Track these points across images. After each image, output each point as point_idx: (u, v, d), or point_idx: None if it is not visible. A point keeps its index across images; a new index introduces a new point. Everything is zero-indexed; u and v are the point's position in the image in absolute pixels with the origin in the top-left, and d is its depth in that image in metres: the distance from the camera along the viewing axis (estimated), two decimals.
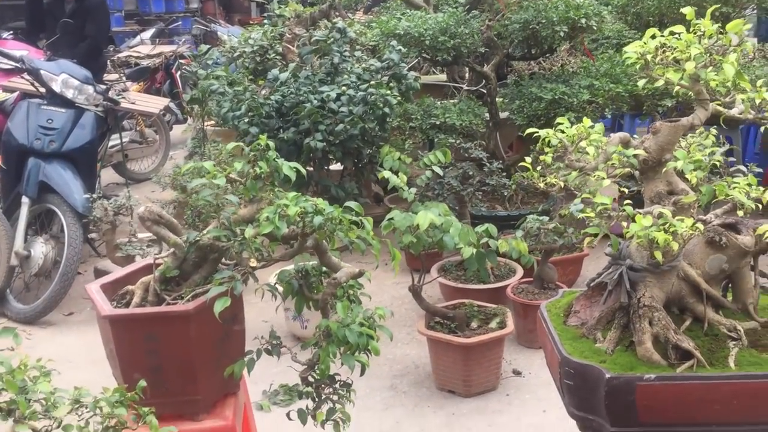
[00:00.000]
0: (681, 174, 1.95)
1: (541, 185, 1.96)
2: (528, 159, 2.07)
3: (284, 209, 1.98)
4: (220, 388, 2.25)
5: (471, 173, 4.10)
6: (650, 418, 1.90)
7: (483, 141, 4.57)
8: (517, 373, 3.70)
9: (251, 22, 13.68)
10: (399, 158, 3.52)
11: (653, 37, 1.90)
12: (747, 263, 2.04)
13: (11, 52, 5.13)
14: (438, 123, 4.61)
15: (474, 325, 3.55)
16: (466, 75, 6.21)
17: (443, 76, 6.40)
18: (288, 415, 2.33)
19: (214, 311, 1.96)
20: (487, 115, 5.04)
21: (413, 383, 3.65)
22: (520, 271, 4.19)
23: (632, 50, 1.91)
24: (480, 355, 3.42)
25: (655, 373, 1.87)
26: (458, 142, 4.24)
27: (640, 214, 1.70)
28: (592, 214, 1.83)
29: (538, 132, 2.05)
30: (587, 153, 1.90)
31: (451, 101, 5.02)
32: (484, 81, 5.27)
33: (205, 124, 6.07)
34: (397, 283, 4.72)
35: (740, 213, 2.09)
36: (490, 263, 3.37)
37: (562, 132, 1.98)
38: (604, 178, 1.82)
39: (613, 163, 1.84)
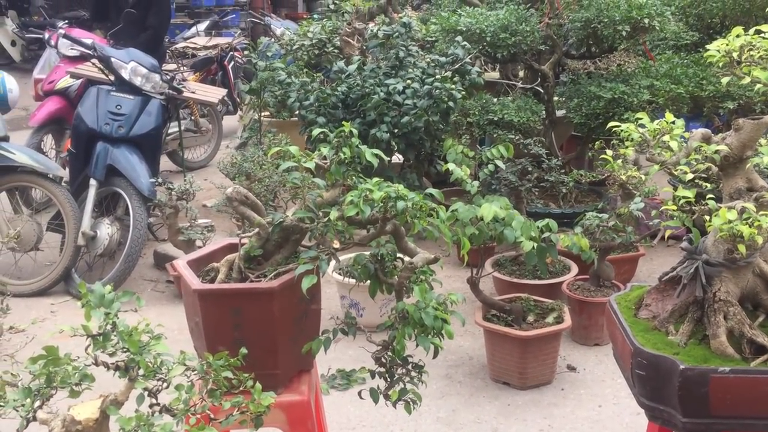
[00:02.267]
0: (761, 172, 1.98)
1: (623, 177, 2.00)
2: (609, 152, 2.10)
3: (369, 193, 2.05)
4: (296, 364, 2.34)
5: (529, 169, 4.14)
6: (722, 410, 1.93)
7: (542, 138, 4.59)
8: (571, 368, 3.73)
9: (299, 16, 13.84)
10: (462, 151, 3.58)
11: (738, 36, 1.93)
12: None
13: (82, 39, 5.29)
14: (495, 119, 4.66)
15: (530, 319, 3.60)
16: (519, 73, 6.24)
17: (496, 74, 6.44)
18: (359, 393, 2.42)
19: (298, 289, 2.05)
20: (543, 113, 5.06)
21: (468, 374, 3.71)
22: (574, 269, 4.21)
23: (716, 47, 1.94)
24: (536, 349, 3.46)
25: (730, 366, 1.90)
26: (517, 138, 4.28)
27: (725, 207, 1.73)
28: (673, 208, 1.86)
29: (619, 126, 2.09)
30: (669, 148, 1.94)
31: (508, 98, 5.06)
32: (540, 79, 5.29)
33: (261, 114, 6.20)
34: (449, 276, 4.79)
35: None
36: (550, 258, 3.42)
37: (643, 126, 2.01)
38: (687, 173, 1.86)
39: (695, 159, 1.87)
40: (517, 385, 3.53)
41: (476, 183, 3.39)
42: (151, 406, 1.48)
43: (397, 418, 3.31)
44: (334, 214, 2.08)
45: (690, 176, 1.86)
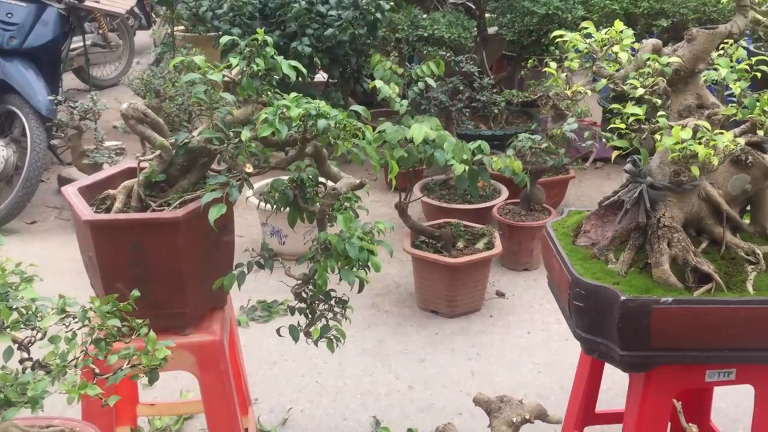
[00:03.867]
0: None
1: (569, 92, 1.81)
2: (553, 65, 1.91)
3: (285, 111, 1.81)
4: (207, 301, 2.12)
5: (461, 89, 3.93)
6: (663, 342, 1.83)
7: (474, 56, 4.37)
8: (500, 294, 3.65)
9: None
10: (390, 68, 3.33)
11: None
12: None
13: None
14: (425, 35, 4.40)
15: (460, 245, 3.46)
16: None
17: None
18: (278, 331, 2.22)
19: (206, 219, 1.81)
20: (475, 29, 4.83)
21: (395, 302, 3.57)
22: (505, 192, 4.09)
23: None
24: (466, 276, 3.34)
25: (672, 296, 1.79)
26: (448, 55, 4.05)
27: (678, 126, 1.58)
28: (622, 126, 1.70)
29: (563, 35, 1.89)
30: (617, 61, 1.75)
31: (438, 13, 4.79)
32: None
33: (174, 28, 5.74)
34: (376, 201, 4.61)
35: (760, 133, 1.99)
36: (482, 181, 3.26)
37: (590, 36, 1.82)
38: (637, 88, 1.68)
39: (645, 72, 1.70)
40: (445, 314, 3.43)
41: (405, 102, 3.17)
42: (21, 361, 1.24)
43: (321, 350, 3.11)
44: (246, 134, 1.83)
45: (641, 91, 1.69)
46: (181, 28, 6.21)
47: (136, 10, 7.68)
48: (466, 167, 3.08)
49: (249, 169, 1.90)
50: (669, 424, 2.06)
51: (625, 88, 1.71)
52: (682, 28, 4.68)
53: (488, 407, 1.90)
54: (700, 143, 1.54)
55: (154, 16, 8.34)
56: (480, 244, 3.45)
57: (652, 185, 1.88)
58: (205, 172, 2.07)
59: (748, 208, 2.04)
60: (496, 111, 4.32)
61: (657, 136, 1.65)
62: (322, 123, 1.82)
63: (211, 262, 2.07)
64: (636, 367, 1.90)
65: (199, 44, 5.46)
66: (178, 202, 1.96)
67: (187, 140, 1.95)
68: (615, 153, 1.78)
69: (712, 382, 1.98)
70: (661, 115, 1.67)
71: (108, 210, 1.99)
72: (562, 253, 2.03)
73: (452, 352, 3.18)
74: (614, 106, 1.74)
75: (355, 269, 1.96)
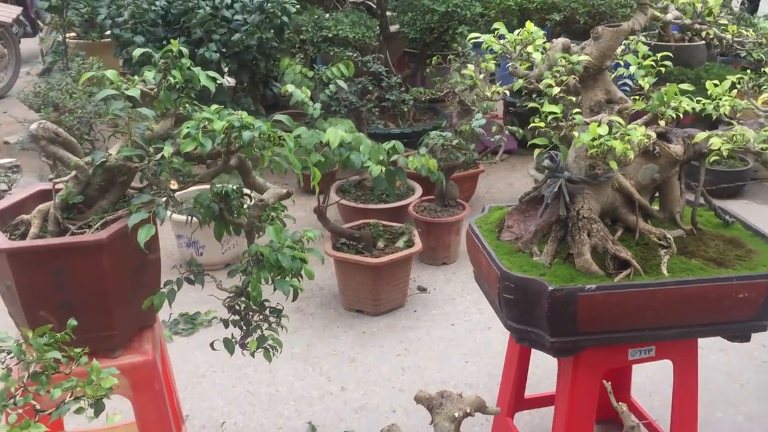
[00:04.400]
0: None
1: (488, 93, 1.87)
2: (471, 67, 1.96)
3: (208, 124, 1.78)
4: (137, 321, 2.06)
5: (370, 89, 3.96)
6: (589, 326, 1.93)
7: (380, 55, 4.41)
8: (422, 289, 3.71)
9: None
10: (300, 71, 3.32)
11: None
12: (676, 173, 2.08)
13: None
14: (330, 36, 4.40)
15: (380, 244, 3.50)
16: None
17: None
18: (212, 345, 2.19)
19: (131, 238, 1.76)
20: (377, 28, 4.87)
21: (320, 305, 3.57)
22: (419, 190, 4.16)
23: None
24: (389, 275, 3.39)
25: (595, 283, 1.88)
26: (355, 55, 4.07)
27: (595, 123, 1.66)
28: (542, 125, 1.77)
29: (478, 37, 1.94)
30: (531, 60, 1.82)
31: (340, 13, 4.80)
32: None
33: (66, 36, 5.49)
34: (291, 205, 4.57)
35: (662, 123, 2.12)
36: (399, 181, 3.31)
37: (502, 37, 1.88)
38: (552, 86, 1.75)
39: (558, 71, 1.77)
40: (371, 312, 3.46)
41: (318, 106, 3.17)
42: None
43: (249, 360, 3.11)
44: (168, 149, 1.79)
45: (557, 90, 1.76)
46: (73, 35, 5.95)
47: (21, 17, 7.31)
48: (383, 168, 3.11)
49: (173, 185, 1.86)
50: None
51: (540, 86, 1.78)
52: (573, 21, 4.90)
53: (429, 404, 1.94)
54: (616, 138, 1.62)
55: (40, 23, 7.96)
56: (400, 243, 3.50)
57: (570, 179, 1.97)
58: (124, 190, 2.01)
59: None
60: (405, 109, 4.38)
61: (575, 132, 1.73)
62: (247, 135, 1.80)
63: (139, 281, 2.01)
64: (565, 352, 1.99)
65: (95, 52, 5.25)
66: (99, 223, 1.89)
67: (104, 159, 1.88)
68: (537, 151, 1.85)
69: (635, 360, 2.10)
70: (576, 112, 1.75)
71: (23, 236, 1.90)
72: (488, 248, 2.10)
73: (381, 349, 3.21)
74: (532, 104, 1.81)
75: (288, 279, 1.96)
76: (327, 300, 3.61)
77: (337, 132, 2.96)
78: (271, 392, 2.93)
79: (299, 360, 3.13)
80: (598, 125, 1.63)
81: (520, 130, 3.97)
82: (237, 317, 2.07)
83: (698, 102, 2.07)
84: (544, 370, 2.94)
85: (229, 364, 3.10)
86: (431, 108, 5.28)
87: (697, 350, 2.15)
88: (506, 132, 4.01)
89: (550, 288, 1.86)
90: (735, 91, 2.13)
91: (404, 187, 4.13)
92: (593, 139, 1.65)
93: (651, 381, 2.95)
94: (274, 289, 1.97)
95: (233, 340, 2.06)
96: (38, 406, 1.24)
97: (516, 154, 5.54)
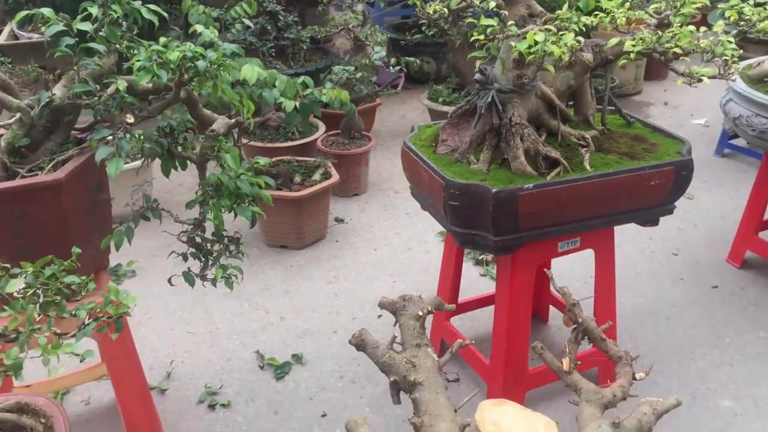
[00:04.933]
0: None
1: (430, 11, 1.98)
2: (361, 6, 2.06)
3: (160, 55, 1.79)
4: (93, 263, 2.07)
5: (269, 28, 3.95)
6: (527, 224, 2.13)
7: None
8: (340, 220, 3.84)
9: None
10: (204, 12, 3.28)
11: None
12: (587, 79, 2.30)
13: None
14: None
15: (297, 179, 3.58)
16: None
17: None
18: (170, 280, 2.23)
19: (87, 178, 1.79)
20: None
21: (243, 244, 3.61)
22: (322, 126, 4.23)
23: None
24: (311, 207, 3.48)
25: (532, 182, 2.08)
26: None
27: (532, 31, 1.82)
28: (481, 37, 1.91)
29: None
30: None
31: None
32: None
33: None
34: None
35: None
36: (314, 115, 3.37)
37: None
38: (489, 2, 1.90)
39: None
40: (295, 246, 3.55)
41: (233, 46, 3.15)
42: None
43: (183, 303, 3.16)
44: (122, 84, 1.79)
45: (493, 4, 1.91)
46: None
47: None
48: (297, 103, 3.17)
49: (130, 119, 1.86)
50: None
51: (476, 2, 1.91)
52: None
53: (393, 308, 2.08)
54: (552, 44, 1.79)
55: None
56: (317, 176, 3.59)
57: (500, 90, 2.14)
58: (70, 131, 1.99)
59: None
60: (304, 47, 4.40)
61: (512, 42, 1.89)
62: (201, 64, 1.83)
63: (94, 222, 2.02)
64: (506, 249, 2.19)
65: None
66: (51, 165, 1.87)
67: (50, 98, 1.85)
68: (478, 62, 1.99)
69: (563, 251, 2.34)
70: (511, 24, 1.91)
71: None
72: (428, 162, 2.24)
73: (311, 279, 3.32)
74: (416, 38, 1.94)
75: (247, 205, 2.02)
76: (248, 239, 3.65)
77: (253, 69, 2.96)
78: (211, 330, 2.98)
79: (233, 298, 3.19)
80: (534, 34, 1.80)
81: (417, 62, 4.13)
82: (195, 249, 2.13)
83: (595, 17, 2.29)
84: (465, 279, 3.17)
85: (163, 310, 3.11)
86: (320, 48, 5.31)
87: (614, 238, 2.42)
88: (398, 66, 4.14)
89: (493, 190, 2.04)
90: (627, 4, 2.36)
91: (307, 125, 4.19)
92: (529, 47, 1.82)
93: (570, 271, 3.25)
94: (235, 216, 2.04)
95: (193, 274, 2.11)
96: (58, 331, 1.27)
97: (404, 88, 5.70)
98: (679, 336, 2.85)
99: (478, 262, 3.41)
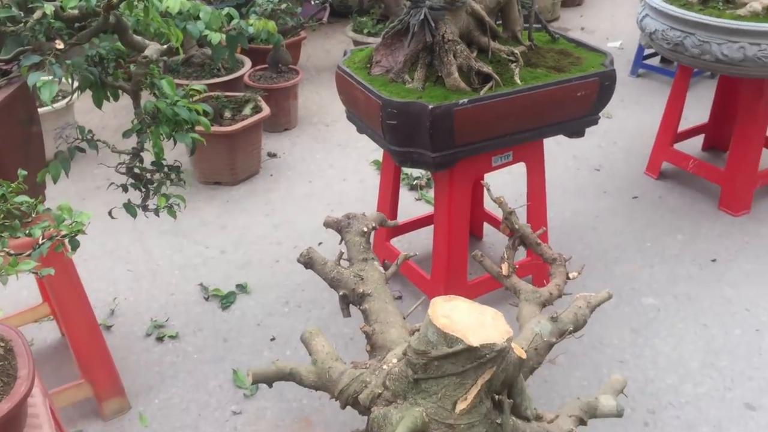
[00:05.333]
0: None
1: None
2: None
3: None
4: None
5: None
6: (463, 139, 2.20)
7: None
8: (272, 155, 3.83)
9: None
10: None
11: None
12: None
13: None
14: None
15: (227, 115, 3.54)
16: None
17: None
18: (110, 213, 2.21)
19: (15, 109, 1.74)
20: None
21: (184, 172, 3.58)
22: (248, 62, 4.17)
23: None
24: (244, 142, 3.46)
25: (466, 97, 2.14)
26: None
27: None
28: None
29: None
30: None
31: None
32: None
33: None
34: None
35: None
36: (241, 48, 3.33)
37: None
38: None
39: None
40: (229, 182, 3.54)
41: None
42: None
43: (119, 243, 3.12)
44: (49, 8, 1.74)
45: None
46: None
47: None
48: (223, 36, 3.12)
49: (59, 45, 1.81)
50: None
51: None
52: None
53: (338, 226, 2.13)
54: None
55: None
56: (247, 110, 3.56)
57: (432, 7, 2.18)
58: None
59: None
60: None
61: None
62: None
63: (26, 155, 1.98)
64: (444, 165, 2.26)
65: None
66: None
67: None
68: None
69: (497, 166, 2.43)
70: None
71: None
72: (364, 83, 2.27)
73: (248, 213, 3.33)
74: None
75: (186, 132, 2.02)
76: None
77: None
78: (152, 267, 2.97)
79: (171, 235, 3.17)
80: None
81: None
82: (136, 180, 2.11)
83: None
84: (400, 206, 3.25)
85: (100, 251, 3.07)
86: None
87: (543, 151, 2.53)
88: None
89: (430, 107, 2.09)
90: None
91: (234, 59, 4.12)
92: None
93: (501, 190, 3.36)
94: (175, 144, 2.03)
95: (134, 205, 2.10)
96: (11, 252, 1.26)
97: (328, 22, 5.65)
98: (605, 244, 3.03)
99: (412, 188, 3.49)
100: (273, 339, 2.56)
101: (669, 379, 2.32)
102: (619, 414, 1.73)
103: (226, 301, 2.74)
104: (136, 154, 2.06)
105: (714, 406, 2.22)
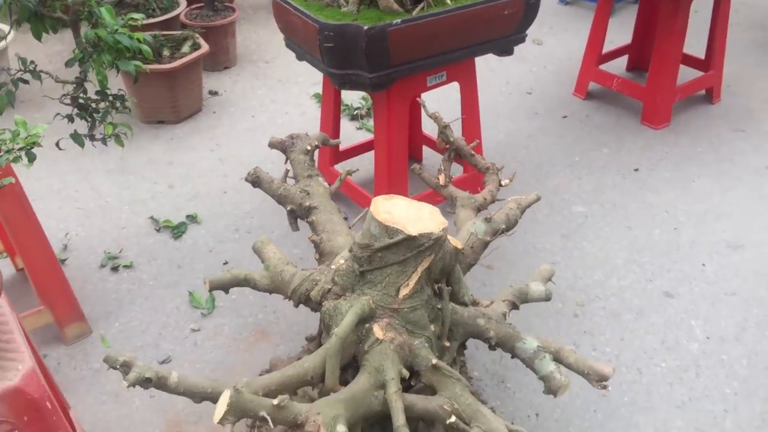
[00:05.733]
0: None
1: None
2: None
3: None
4: None
5: None
6: (399, 59, 2.31)
7: None
8: (214, 93, 3.87)
9: None
10: None
11: None
12: None
13: None
14: None
15: (166, 53, 3.56)
16: None
17: None
18: (58, 144, 2.27)
19: None
20: None
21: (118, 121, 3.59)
22: (183, 1, 4.16)
23: None
24: (185, 79, 3.49)
25: (400, 18, 2.24)
26: None
27: None
28: None
29: None
30: None
31: None
32: None
33: None
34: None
35: None
36: None
37: None
38: None
39: None
40: (172, 120, 3.57)
41: None
42: None
43: (66, 183, 3.16)
44: None
45: None
46: None
47: None
48: None
49: None
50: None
51: None
52: None
53: (283, 146, 2.23)
54: None
55: None
56: (186, 48, 3.58)
57: None
58: None
59: None
60: None
61: None
62: None
63: None
64: (382, 86, 2.37)
65: None
66: None
67: None
68: None
69: (432, 85, 2.55)
70: None
71: None
72: (300, 9, 2.35)
73: (194, 149, 3.39)
74: None
75: (129, 59, 2.07)
76: (125, 118, 3.62)
77: None
78: (101, 204, 3.02)
79: (118, 174, 3.22)
80: None
81: None
82: (81, 110, 2.17)
83: None
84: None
85: (47, 191, 3.10)
86: None
87: (475, 69, 2.66)
88: None
89: (365, 28, 2.19)
90: None
91: (167, 1, 4.11)
92: None
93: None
94: (118, 71, 2.09)
95: (82, 135, 2.16)
96: None
97: None
98: (536, 160, 3.20)
99: (353, 118, 3.59)
100: (226, 263, 2.67)
101: (596, 275, 2.53)
102: (547, 298, 1.91)
103: (177, 231, 2.83)
104: (80, 83, 2.11)
105: (636, 296, 2.44)
